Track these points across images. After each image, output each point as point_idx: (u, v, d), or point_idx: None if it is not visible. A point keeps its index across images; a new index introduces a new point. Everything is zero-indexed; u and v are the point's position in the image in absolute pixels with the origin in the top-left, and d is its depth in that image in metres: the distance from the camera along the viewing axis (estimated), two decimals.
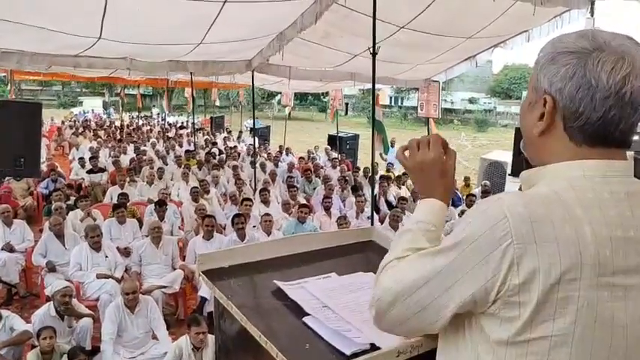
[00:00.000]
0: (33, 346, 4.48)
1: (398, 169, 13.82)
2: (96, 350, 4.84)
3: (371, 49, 6.07)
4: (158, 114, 34.79)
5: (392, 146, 14.88)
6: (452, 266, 0.94)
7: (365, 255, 1.77)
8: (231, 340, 1.46)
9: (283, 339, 1.21)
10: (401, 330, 1.08)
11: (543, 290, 0.86)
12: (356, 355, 1.17)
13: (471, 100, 51.85)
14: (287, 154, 15.48)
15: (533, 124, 1.01)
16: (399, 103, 52.38)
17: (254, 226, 7.32)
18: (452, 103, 50.06)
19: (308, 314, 1.31)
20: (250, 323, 1.26)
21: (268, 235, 6.47)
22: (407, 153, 1.21)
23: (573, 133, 0.95)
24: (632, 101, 0.90)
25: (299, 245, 1.71)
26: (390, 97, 48.53)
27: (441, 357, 1.09)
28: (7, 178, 8.08)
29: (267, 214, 6.94)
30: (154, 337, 5.01)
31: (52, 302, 4.88)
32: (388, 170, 12.87)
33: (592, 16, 6.58)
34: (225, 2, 5.91)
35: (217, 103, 27.37)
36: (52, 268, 6.00)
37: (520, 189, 1.13)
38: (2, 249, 6.30)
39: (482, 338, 0.95)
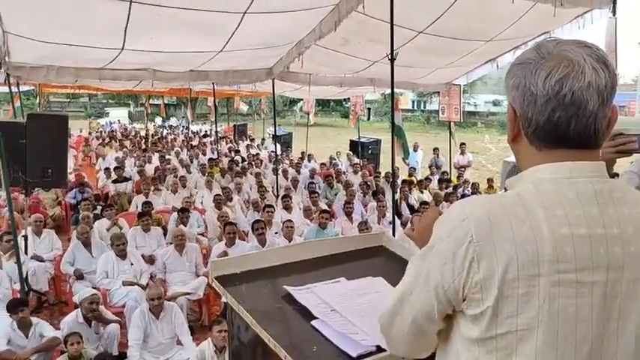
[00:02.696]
0: (62, 352, 4.59)
1: (420, 174, 13.79)
2: (123, 356, 4.93)
3: (389, 55, 6.11)
4: (177, 124, 35.14)
5: (415, 151, 14.83)
6: (428, 267, 1.01)
7: (375, 260, 1.80)
8: (243, 343, 1.50)
9: (291, 342, 1.25)
10: (408, 347, 1.11)
11: (501, 286, 0.91)
12: (362, 356, 1.21)
13: (495, 103, 51.22)
14: (309, 161, 15.52)
15: (509, 132, 1.06)
16: (422, 107, 52.03)
17: (276, 233, 7.38)
18: (475, 105, 49.49)
19: (316, 318, 1.35)
20: (260, 327, 1.31)
21: (290, 242, 6.51)
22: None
23: (531, 138, 1.01)
24: (575, 101, 0.94)
25: (310, 251, 1.75)
26: (413, 101, 48.26)
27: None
28: (35, 188, 8.28)
29: (289, 221, 6.99)
30: (179, 343, 5.10)
31: (79, 309, 5.00)
32: (410, 175, 12.82)
33: (614, 15, 6.48)
34: (245, 13, 6.02)
35: (243, 109, 27.57)
36: (79, 276, 6.14)
37: None
38: (32, 258, 6.46)
39: (460, 337, 1.01)
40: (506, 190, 1.08)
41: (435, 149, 14.57)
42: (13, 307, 4.79)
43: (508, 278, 0.90)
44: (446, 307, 1.00)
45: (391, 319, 1.08)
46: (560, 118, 0.95)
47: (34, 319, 4.84)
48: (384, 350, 1.23)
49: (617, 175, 1.96)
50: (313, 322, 1.34)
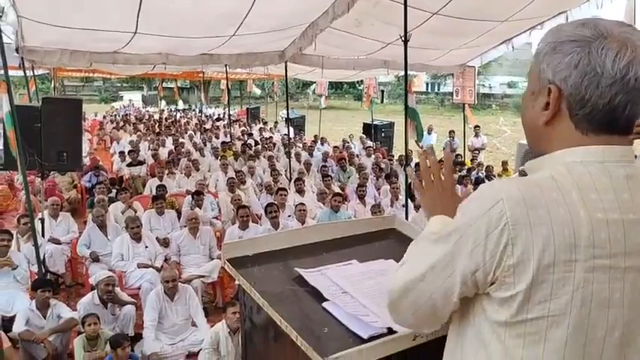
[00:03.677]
0: (79, 333, 4.68)
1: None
2: (138, 336, 5.01)
3: (402, 37, 6.04)
4: (190, 107, 35.05)
5: (429, 133, 14.73)
6: (453, 250, 0.97)
7: (387, 243, 1.80)
8: (255, 325, 1.52)
9: (303, 323, 1.26)
10: (414, 320, 1.10)
11: (537, 271, 0.89)
12: (373, 338, 1.21)
13: (510, 85, 50.57)
14: (322, 144, 15.49)
15: (537, 113, 1.02)
16: (436, 89, 51.61)
17: (289, 216, 7.41)
18: (490, 87, 48.94)
19: (327, 300, 1.36)
20: (272, 309, 1.31)
21: (302, 224, 6.53)
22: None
23: (579, 121, 0.97)
24: (637, 87, 0.91)
25: (322, 234, 1.75)
26: (427, 84, 47.79)
27: (451, 343, 1.12)
28: (52, 172, 8.37)
29: (302, 204, 7.01)
30: (194, 325, 5.17)
31: (95, 291, 5.08)
32: None
33: None
34: None
35: (256, 92, 27.51)
36: (95, 259, 6.23)
37: None
38: (49, 241, 6.55)
39: (484, 320, 0.99)
40: (523, 172, 1.07)
41: (451, 132, 14.46)
42: (40, 284, 4.89)
43: (544, 263, 0.89)
44: (469, 290, 0.98)
45: (403, 295, 1.05)
46: (620, 103, 0.93)
47: (52, 301, 4.93)
48: (395, 332, 1.24)
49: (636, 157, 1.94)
50: (324, 304, 1.34)
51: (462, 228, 0.96)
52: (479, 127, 14.07)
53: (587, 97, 0.94)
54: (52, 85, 17.65)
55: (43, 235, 6.32)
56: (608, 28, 0.93)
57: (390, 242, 1.80)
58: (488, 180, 10.12)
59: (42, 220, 6.39)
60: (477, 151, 13.30)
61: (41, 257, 5.61)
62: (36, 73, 11.65)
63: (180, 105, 35.89)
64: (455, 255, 0.97)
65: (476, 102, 13.53)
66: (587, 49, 0.92)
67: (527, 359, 0.93)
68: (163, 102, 35.55)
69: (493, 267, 0.92)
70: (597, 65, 0.91)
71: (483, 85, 44.29)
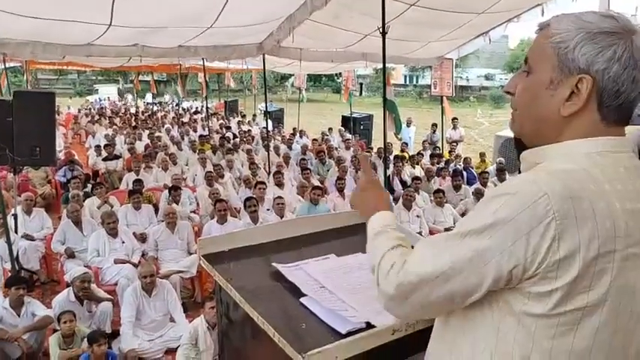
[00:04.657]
0: (54, 330, 4.60)
1: (412, 149, 13.78)
2: (116, 333, 4.95)
3: (380, 29, 6.03)
4: (160, 102, 34.34)
5: (408, 126, 14.80)
6: (487, 246, 0.93)
7: (364, 236, 1.78)
8: (232, 321, 1.49)
9: (280, 320, 1.24)
10: (420, 313, 1.09)
11: (583, 265, 0.89)
12: (351, 333, 1.20)
13: (487, 77, 51.14)
14: (301, 137, 15.45)
15: (556, 103, 0.99)
16: (414, 82, 51.86)
17: (268, 209, 7.37)
18: (467, 80, 49.38)
19: (305, 295, 1.34)
20: (249, 305, 1.29)
21: (281, 218, 6.50)
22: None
23: (608, 112, 0.97)
24: None
25: (299, 228, 1.74)
26: (405, 76, 48.08)
27: (449, 332, 1.10)
28: (25, 167, 8.21)
29: (279, 197, 6.97)
30: (172, 320, 5.11)
31: (71, 288, 4.99)
32: (402, 150, 12.81)
33: None
34: None
35: (232, 86, 27.30)
36: (70, 255, 6.12)
37: (518, 168, 1.14)
38: (22, 237, 6.42)
39: (507, 312, 0.97)
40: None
41: (434, 125, 14.48)
42: (13, 282, 4.79)
43: (589, 256, 0.88)
44: (498, 285, 0.95)
45: (415, 289, 1.00)
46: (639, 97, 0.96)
47: (26, 298, 4.82)
48: (373, 327, 1.23)
49: None
50: (302, 300, 1.32)
51: (500, 223, 0.92)
52: (456, 119, 14.16)
53: (622, 89, 0.95)
54: (25, 78, 17.29)
55: (16, 232, 6.19)
56: (633, 22, 0.95)
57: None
58: (466, 171, 10.21)
59: (15, 216, 6.26)
60: (454, 144, 13.39)
61: (14, 254, 5.50)
62: (7, 66, 11.38)
63: (149, 98, 35.22)
64: (489, 251, 0.93)
65: (454, 94, 13.62)
66: (629, 42, 0.93)
67: (556, 349, 0.93)
68: (130, 95, 34.97)
69: (536, 263, 0.90)
70: (639, 59, 0.93)
71: (461, 78, 44.63)
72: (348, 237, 1.77)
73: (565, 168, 0.95)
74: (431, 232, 7.14)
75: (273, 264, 1.48)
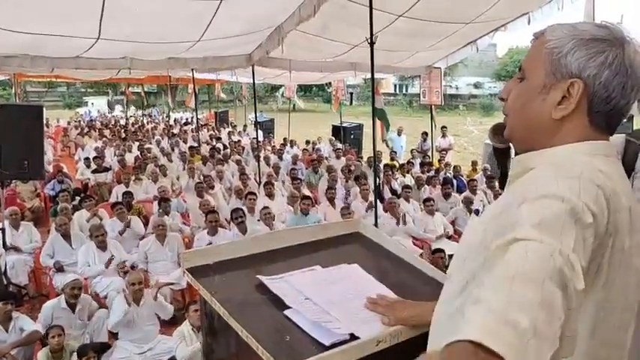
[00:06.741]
0: (43, 345, 4.55)
1: (402, 158, 13.83)
2: (105, 347, 4.90)
3: (369, 39, 6.06)
4: (144, 114, 33.85)
5: (399, 135, 14.87)
6: (548, 265, 0.78)
7: (350, 247, 1.79)
8: (216, 335, 1.49)
9: (264, 333, 1.24)
10: None
11: (608, 258, 0.91)
12: (335, 345, 1.20)
13: (476, 85, 51.46)
14: (291, 147, 15.46)
15: (548, 107, 1.00)
16: (404, 91, 52.09)
17: (259, 220, 7.35)
18: (457, 88, 49.70)
19: (289, 307, 1.34)
20: (232, 318, 1.29)
21: (271, 229, 6.50)
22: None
23: (598, 118, 0.99)
24: None
25: (285, 239, 1.73)
26: (395, 85, 48.26)
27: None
28: (13, 180, 8.15)
29: (266, 207, 6.97)
30: (162, 333, 5.08)
31: (62, 296, 4.97)
32: (392, 159, 12.85)
33: None
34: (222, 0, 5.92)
35: (223, 97, 27.30)
36: (59, 268, 6.07)
37: (506, 174, 1.15)
38: (9, 249, 6.35)
39: None
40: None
41: (424, 133, 14.54)
42: (2, 297, 4.75)
43: (615, 248, 0.91)
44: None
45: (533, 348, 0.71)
46: (630, 104, 0.97)
47: (14, 313, 4.77)
48: (357, 338, 1.23)
49: None
50: (286, 312, 1.32)
51: (541, 239, 0.80)
52: (446, 127, 14.24)
53: (612, 95, 0.96)
54: (14, 91, 17.19)
55: (4, 246, 6.13)
56: (622, 30, 0.97)
57: (353, 247, 1.80)
58: (456, 180, 10.25)
59: (2, 230, 6.20)
60: (444, 152, 13.45)
61: (2, 268, 5.45)
62: None
63: (132, 111, 34.87)
64: (552, 267, 0.78)
65: (443, 103, 13.68)
66: (621, 49, 0.95)
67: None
68: (118, 107, 34.70)
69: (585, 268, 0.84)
70: (630, 66, 0.94)
71: (450, 86, 44.93)
72: (335, 248, 1.77)
73: (572, 171, 0.94)
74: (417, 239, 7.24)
75: (258, 276, 1.47)
